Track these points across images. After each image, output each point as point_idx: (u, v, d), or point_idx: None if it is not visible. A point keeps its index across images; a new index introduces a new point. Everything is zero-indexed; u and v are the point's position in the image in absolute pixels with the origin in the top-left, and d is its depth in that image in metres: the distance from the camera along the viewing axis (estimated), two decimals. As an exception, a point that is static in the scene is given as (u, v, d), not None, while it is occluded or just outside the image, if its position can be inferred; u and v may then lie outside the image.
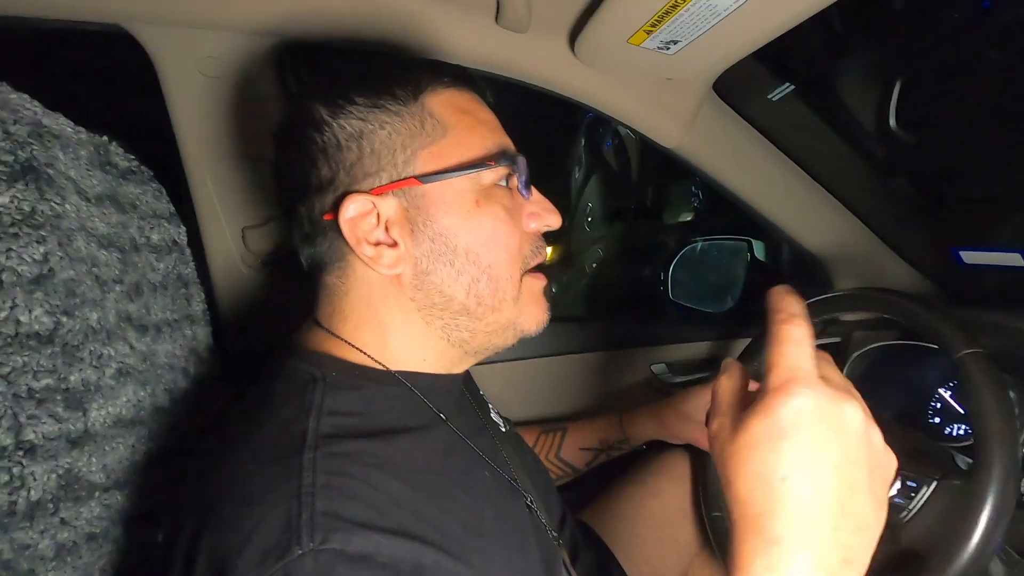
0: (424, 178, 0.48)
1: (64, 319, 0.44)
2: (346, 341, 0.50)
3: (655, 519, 0.88)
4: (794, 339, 0.35)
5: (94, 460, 0.46)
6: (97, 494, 0.46)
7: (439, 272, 0.50)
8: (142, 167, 0.60)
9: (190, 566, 0.37)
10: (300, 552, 0.34)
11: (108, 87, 0.90)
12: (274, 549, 0.35)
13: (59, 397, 0.43)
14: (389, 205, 0.49)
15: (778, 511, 0.33)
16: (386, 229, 0.49)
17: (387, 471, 0.42)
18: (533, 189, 0.55)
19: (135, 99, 0.79)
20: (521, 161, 0.53)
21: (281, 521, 0.36)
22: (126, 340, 0.51)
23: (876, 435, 0.35)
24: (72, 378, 0.44)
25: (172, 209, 0.65)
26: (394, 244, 0.49)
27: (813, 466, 0.32)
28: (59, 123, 0.49)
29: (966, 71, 0.92)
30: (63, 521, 0.43)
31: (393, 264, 0.49)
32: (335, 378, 0.47)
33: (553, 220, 0.55)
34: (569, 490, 1.02)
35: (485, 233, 0.50)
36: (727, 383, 0.40)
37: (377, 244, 0.49)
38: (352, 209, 0.48)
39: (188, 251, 0.67)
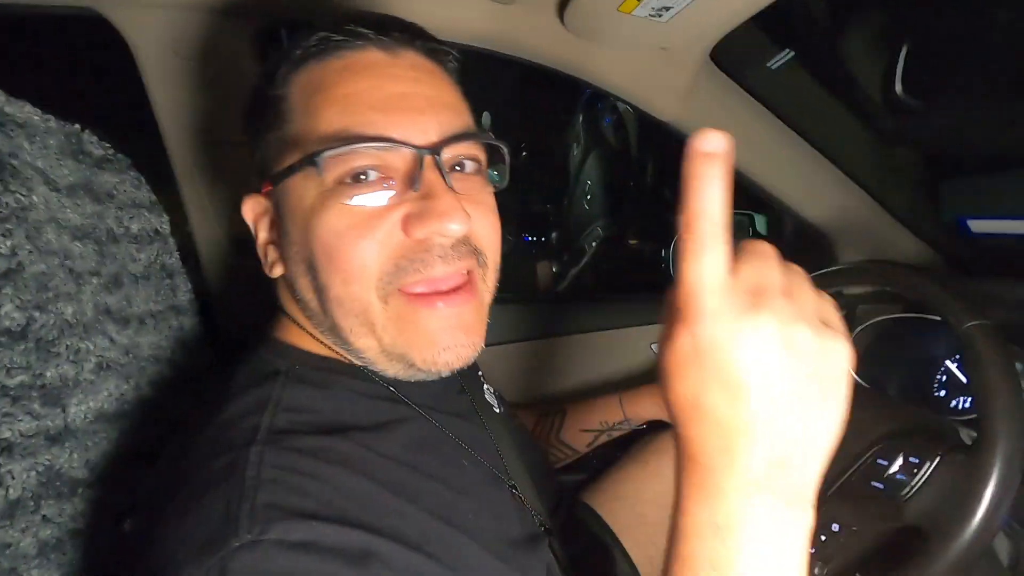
0: (273, 178, 0.44)
1: (36, 314, 0.43)
2: (310, 334, 0.48)
3: (658, 500, 0.87)
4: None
5: (76, 456, 0.45)
6: (80, 490, 0.46)
7: (299, 282, 0.46)
8: (118, 155, 0.58)
9: (144, 558, 0.37)
10: (237, 544, 0.33)
11: (86, 74, 0.88)
12: (213, 541, 0.34)
13: (35, 394, 0.43)
14: (268, 205, 0.47)
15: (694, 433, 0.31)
16: (269, 229, 0.48)
17: (343, 465, 0.40)
18: (432, 183, 0.43)
19: (114, 85, 0.77)
20: (364, 154, 0.41)
21: (221, 513, 0.35)
22: (105, 333, 0.50)
23: (804, 336, 0.29)
24: (48, 374, 0.43)
25: (153, 198, 0.63)
26: (276, 245, 0.48)
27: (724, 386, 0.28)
28: (24, 111, 0.47)
29: (975, 34, 0.88)
30: (45, 518, 0.43)
31: (270, 266, 0.48)
32: (299, 372, 0.46)
33: (450, 225, 0.42)
34: (572, 471, 1.02)
35: (322, 244, 0.42)
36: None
37: (267, 244, 0.48)
38: (247, 209, 0.47)
39: (172, 240, 0.65)
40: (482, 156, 0.48)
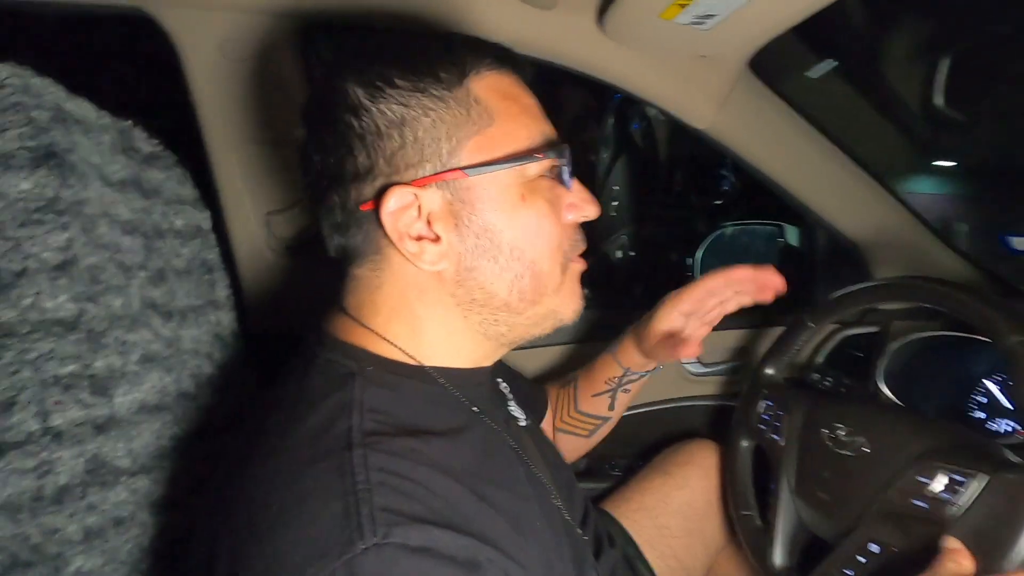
0: (470, 170, 0.46)
1: (88, 305, 0.44)
2: (378, 334, 0.49)
3: (681, 511, 0.86)
4: None
5: (120, 445, 0.46)
6: (123, 479, 0.47)
7: (483, 268, 0.48)
8: (166, 152, 0.60)
9: (235, 560, 0.37)
10: (364, 546, 0.34)
11: (133, 72, 0.90)
12: (334, 545, 0.35)
13: (85, 383, 0.44)
14: (433, 198, 0.46)
15: None
16: (428, 223, 0.47)
17: (435, 468, 0.41)
18: (574, 179, 0.53)
19: (159, 83, 0.79)
20: (567, 152, 0.51)
21: (339, 517, 0.36)
22: (150, 326, 0.51)
23: None
24: (97, 364, 0.45)
25: (196, 194, 0.65)
26: (436, 239, 0.47)
27: None
28: (82, 108, 0.48)
29: (1019, 47, 0.86)
30: (91, 506, 0.44)
31: (436, 260, 0.47)
32: (371, 373, 0.47)
33: (592, 211, 0.53)
34: (595, 480, 1.01)
35: (530, 229, 0.49)
36: (967, 565, 0.51)
37: (419, 239, 0.47)
38: (394, 202, 0.45)
39: (212, 236, 0.67)
40: None
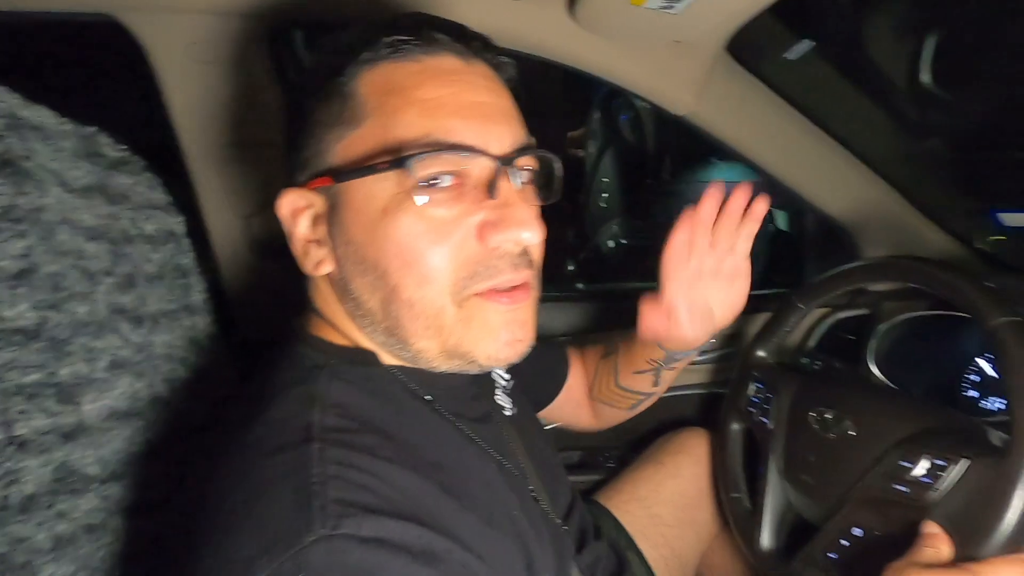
0: (337, 175, 0.44)
1: (50, 313, 0.44)
2: (341, 330, 0.49)
3: (674, 500, 0.86)
4: None
5: (89, 452, 0.46)
6: (94, 486, 0.47)
7: (355, 282, 0.45)
8: (134, 157, 0.59)
9: (195, 556, 0.37)
10: (313, 538, 0.34)
11: (105, 79, 0.90)
12: (284, 536, 0.34)
13: (50, 391, 0.43)
14: (317, 201, 0.46)
15: None
16: (315, 226, 0.47)
17: (396, 463, 0.41)
18: (507, 190, 0.44)
19: (132, 90, 0.78)
20: (450, 158, 0.42)
21: (291, 509, 0.35)
22: (119, 332, 0.51)
23: None
24: (62, 372, 0.44)
25: (167, 199, 0.64)
26: (321, 242, 0.47)
27: None
28: (40, 115, 0.48)
29: (1007, 22, 0.85)
30: (60, 514, 0.43)
31: (315, 266, 0.47)
32: (337, 367, 0.46)
33: (520, 234, 0.43)
34: (588, 472, 1.01)
35: (391, 249, 0.42)
36: (945, 549, 0.52)
37: (308, 241, 0.47)
38: (284, 204, 0.46)
39: (186, 241, 0.66)
40: (536, 167, 0.49)
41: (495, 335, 0.45)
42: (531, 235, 0.43)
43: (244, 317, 0.88)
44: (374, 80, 0.43)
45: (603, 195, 1.57)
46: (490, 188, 0.43)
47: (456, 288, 0.43)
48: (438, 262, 0.43)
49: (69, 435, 0.45)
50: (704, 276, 0.66)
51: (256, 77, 0.75)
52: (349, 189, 0.44)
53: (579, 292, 1.51)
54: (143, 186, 0.60)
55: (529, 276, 0.47)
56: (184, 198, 0.74)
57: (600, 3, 0.65)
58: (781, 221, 1.14)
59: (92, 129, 0.55)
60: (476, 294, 0.44)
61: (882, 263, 0.76)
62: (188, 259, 0.65)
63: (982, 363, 0.82)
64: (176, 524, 0.46)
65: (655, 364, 0.74)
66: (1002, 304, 0.56)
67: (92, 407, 0.47)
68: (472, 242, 0.43)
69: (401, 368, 0.49)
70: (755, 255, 1.12)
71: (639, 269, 1.55)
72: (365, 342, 0.49)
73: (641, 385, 0.77)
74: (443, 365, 0.47)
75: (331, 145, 0.44)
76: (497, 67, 0.49)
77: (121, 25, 0.69)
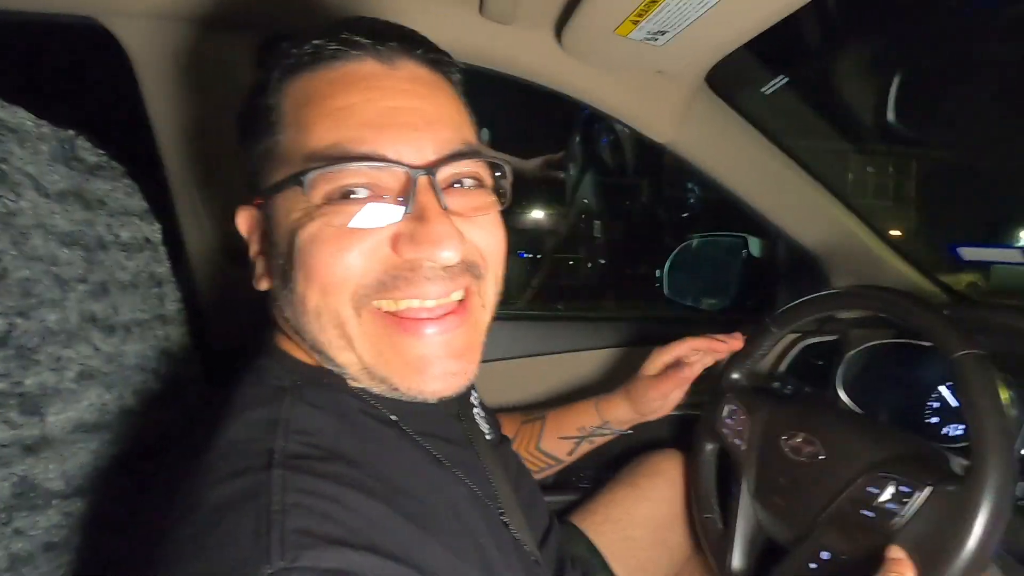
0: (263, 191, 0.44)
1: (19, 320, 0.42)
2: (307, 347, 0.47)
3: (647, 523, 0.86)
4: None
5: (52, 467, 0.44)
6: (56, 502, 0.45)
7: (281, 296, 0.45)
8: (112, 163, 0.58)
9: None
10: (269, 571, 0.32)
11: (87, 83, 0.88)
12: (240, 568, 0.33)
13: (13, 402, 0.42)
14: (258, 216, 0.47)
15: None
16: (259, 240, 0.47)
17: (361, 491, 0.39)
18: (422, 202, 0.41)
19: (114, 95, 0.77)
20: (348, 169, 0.40)
21: (248, 539, 0.34)
22: (89, 341, 0.49)
23: None
24: (28, 382, 0.43)
25: (145, 206, 0.63)
26: (262, 258, 0.47)
27: None
28: (17, 117, 0.47)
29: (968, 66, 0.90)
30: (17, 531, 0.41)
31: (257, 279, 0.48)
32: (302, 391, 0.45)
33: (439, 252, 0.40)
34: (563, 493, 1.01)
35: (299, 259, 0.41)
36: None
37: (255, 256, 0.48)
38: (241, 222, 0.47)
39: (162, 249, 0.65)
40: (484, 173, 0.46)
41: (416, 366, 0.43)
42: (449, 253, 0.40)
43: (218, 328, 0.87)
44: (294, 92, 0.42)
45: (582, 216, 1.59)
46: (405, 200, 0.40)
47: (356, 295, 0.41)
48: (342, 268, 0.41)
49: (31, 448, 0.43)
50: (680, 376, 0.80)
51: (239, 87, 0.75)
52: (272, 205, 0.43)
53: (558, 313, 1.53)
54: (120, 192, 0.59)
55: (466, 288, 0.44)
56: (162, 206, 0.72)
57: (587, 31, 0.67)
58: (755, 248, 1.17)
59: (71, 133, 0.54)
60: (383, 312, 0.42)
61: (850, 292, 0.78)
62: (164, 268, 0.64)
63: (943, 391, 0.85)
64: (141, 542, 0.44)
65: (584, 432, 0.82)
66: (963, 336, 0.58)
67: (57, 419, 0.45)
68: (385, 252, 0.41)
69: (361, 389, 0.47)
70: (730, 280, 1.15)
71: (616, 291, 1.57)
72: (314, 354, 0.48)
73: (559, 451, 0.84)
74: (374, 387, 0.45)
75: (260, 163, 0.44)
76: (435, 66, 0.46)
77: (105, 29, 0.68)
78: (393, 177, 0.41)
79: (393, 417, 0.47)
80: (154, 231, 0.64)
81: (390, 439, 0.46)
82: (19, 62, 0.79)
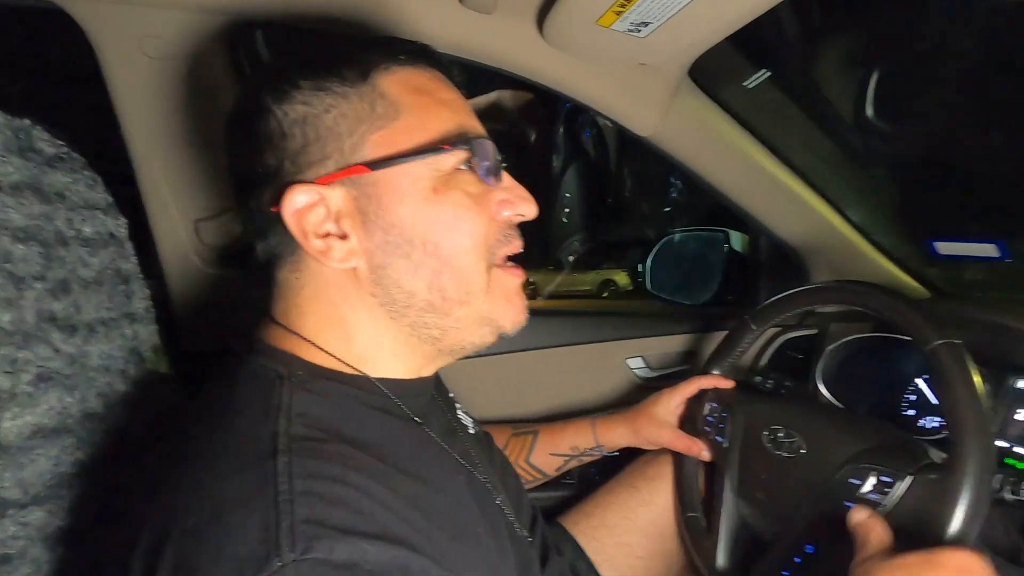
0: (374, 164, 0.45)
1: (-31, 321, 0.40)
2: (308, 340, 0.48)
3: (646, 529, 0.83)
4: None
5: (8, 475, 0.42)
6: (12, 512, 0.42)
7: (395, 265, 0.47)
8: (72, 154, 0.55)
9: None
10: (280, 564, 0.32)
11: (46, 71, 0.84)
12: (251, 561, 0.32)
13: (-36, 407, 0.39)
14: (337, 195, 0.46)
15: None
16: (336, 220, 0.46)
17: (367, 473, 0.40)
18: (505, 175, 0.52)
19: (74, 83, 0.74)
20: (482, 145, 0.49)
21: (258, 530, 0.34)
22: (48, 342, 0.47)
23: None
24: (-20, 386, 0.40)
25: (110, 199, 0.60)
26: (344, 236, 0.46)
27: None
28: (-33, 104, 0.44)
29: (943, 61, 0.91)
30: (-30, 543, 0.39)
31: (344, 258, 0.46)
32: (300, 378, 0.45)
33: (527, 209, 0.51)
34: (546, 489, 1.00)
35: (444, 222, 0.47)
36: (880, 530, 0.50)
37: (326, 236, 0.46)
38: (296, 201, 0.45)
39: (129, 244, 0.62)
40: None
41: (517, 303, 0.52)
42: (534, 208, 0.52)
43: (190, 327, 0.84)
44: (398, 82, 0.48)
45: (565, 210, 1.58)
46: (496, 172, 0.50)
47: (488, 254, 0.49)
48: (481, 230, 0.48)
49: (-15, 455, 0.40)
50: None
51: (214, 76, 0.72)
52: (389, 176, 0.46)
53: (534, 309, 1.52)
54: (82, 185, 0.56)
55: None
56: (129, 199, 0.70)
57: (569, 22, 0.66)
58: (736, 242, 1.17)
59: (26, 122, 0.51)
60: (499, 264, 0.51)
61: (830, 286, 0.79)
62: (131, 264, 0.61)
63: (920, 383, 0.87)
64: (106, 552, 0.42)
65: (576, 451, 0.83)
66: (939, 327, 0.59)
67: (13, 424, 0.43)
68: (499, 217, 0.50)
69: (366, 377, 0.48)
70: (712, 274, 1.15)
71: (597, 286, 1.57)
72: (343, 350, 0.48)
73: (548, 467, 0.84)
74: (472, 335, 0.51)
75: (363, 138, 0.46)
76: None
77: (65, 13, 0.65)
78: (492, 154, 0.50)
79: (402, 407, 0.49)
80: (119, 225, 0.62)
81: (391, 423, 0.47)
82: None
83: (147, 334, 0.63)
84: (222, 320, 0.86)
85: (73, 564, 0.47)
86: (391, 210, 0.46)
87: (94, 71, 0.69)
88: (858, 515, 0.53)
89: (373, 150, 0.46)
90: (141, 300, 0.62)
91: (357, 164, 0.45)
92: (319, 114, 0.46)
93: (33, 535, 0.44)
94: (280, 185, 0.46)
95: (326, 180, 0.45)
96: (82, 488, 0.48)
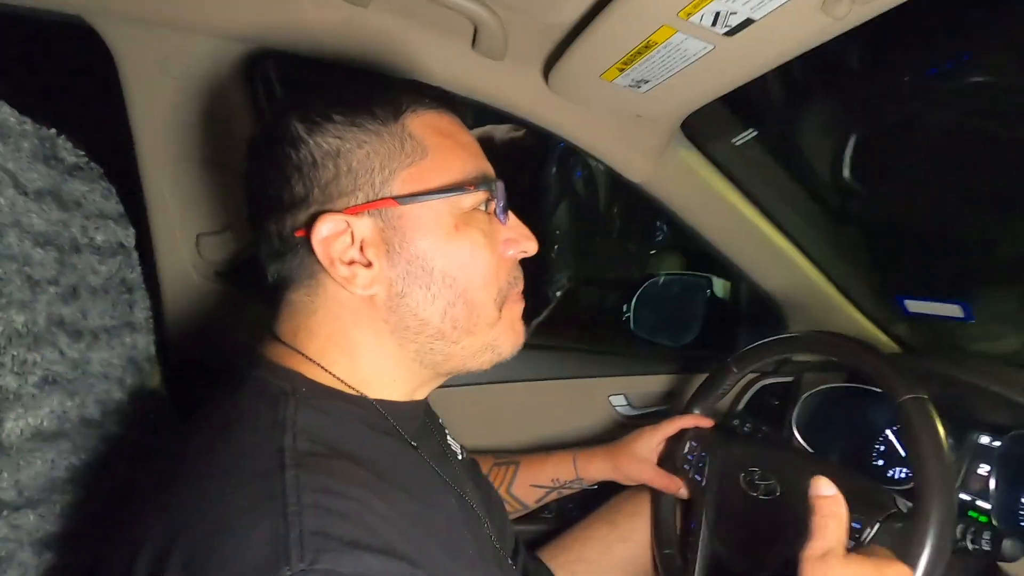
0: (402, 199, 0.48)
1: (-15, 320, 0.41)
2: (314, 361, 0.49)
3: (623, 566, 0.84)
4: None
5: (5, 476, 0.42)
6: (4, 513, 0.42)
7: (414, 295, 0.49)
8: (91, 164, 0.57)
9: None
10: (289, 572, 0.33)
11: (67, 82, 0.86)
12: (260, 568, 0.33)
13: (-29, 405, 0.40)
14: (364, 225, 0.48)
15: None
16: (360, 249, 0.48)
17: (369, 489, 0.41)
18: (510, 215, 0.55)
19: (94, 95, 0.76)
20: (500, 187, 0.53)
21: (266, 541, 0.35)
22: (56, 346, 0.47)
23: None
24: (-12, 384, 0.41)
25: (121, 210, 0.62)
26: (369, 264, 0.48)
27: None
28: (1, 112, 0.46)
29: (915, 131, 0.98)
30: (-37, 542, 0.39)
31: (368, 285, 0.48)
32: (305, 395, 0.46)
33: (530, 246, 0.55)
34: (526, 522, 1.00)
35: (463, 257, 0.50)
36: (842, 517, 0.49)
37: (351, 263, 0.48)
38: (326, 229, 0.47)
39: (135, 255, 0.64)
40: None
41: (519, 329, 0.56)
42: (534, 245, 0.55)
43: (183, 339, 0.84)
44: (424, 124, 0.51)
45: (554, 247, 1.62)
46: (504, 212, 0.53)
47: (500, 292, 0.52)
48: (492, 266, 0.52)
49: (-15, 455, 0.41)
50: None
51: (230, 100, 0.75)
52: (415, 211, 0.49)
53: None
54: (98, 194, 0.58)
55: None
56: (137, 211, 0.71)
57: (575, 74, 0.70)
58: (719, 288, 1.22)
59: (52, 132, 0.53)
60: (507, 298, 0.53)
61: (807, 337, 0.82)
62: (135, 274, 0.62)
63: (889, 434, 0.90)
64: (101, 560, 0.42)
65: (556, 484, 0.84)
66: (907, 382, 0.63)
67: (15, 425, 0.43)
68: (505, 255, 0.53)
69: (366, 398, 0.50)
70: (694, 318, 1.19)
71: (583, 323, 1.60)
72: (347, 372, 0.49)
73: (528, 498, 0.85)
74: (475, 361, 0.53)
75: (394, 174, 0.49)
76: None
77: (91, 29, 0.68)
78: (502, 196, 0.53)
79: (399, 430, 0.50)
80: (128, 236, 0.63)
81: (389, 443, 0.49)
82: (1, 57, 0.77)
83: (144, 344, 0.63)
84: (213, 335, 0.87)
85: (60, 570, 0.46)
86: (414, 242, 0.49)
87: (106, 84, 0.71)
88: (825, 488, 0.49)
89: (402, 186, 0.48)
90: (142, 310, 0.63)
91: (387, 197, 0.48)
92: (352, 148, 0.48)
93: (23, 538, 0.44)
94: (308, 212, 0.48)
95: (354, 210, 0.48)
96: (74, 494, 0.48)
